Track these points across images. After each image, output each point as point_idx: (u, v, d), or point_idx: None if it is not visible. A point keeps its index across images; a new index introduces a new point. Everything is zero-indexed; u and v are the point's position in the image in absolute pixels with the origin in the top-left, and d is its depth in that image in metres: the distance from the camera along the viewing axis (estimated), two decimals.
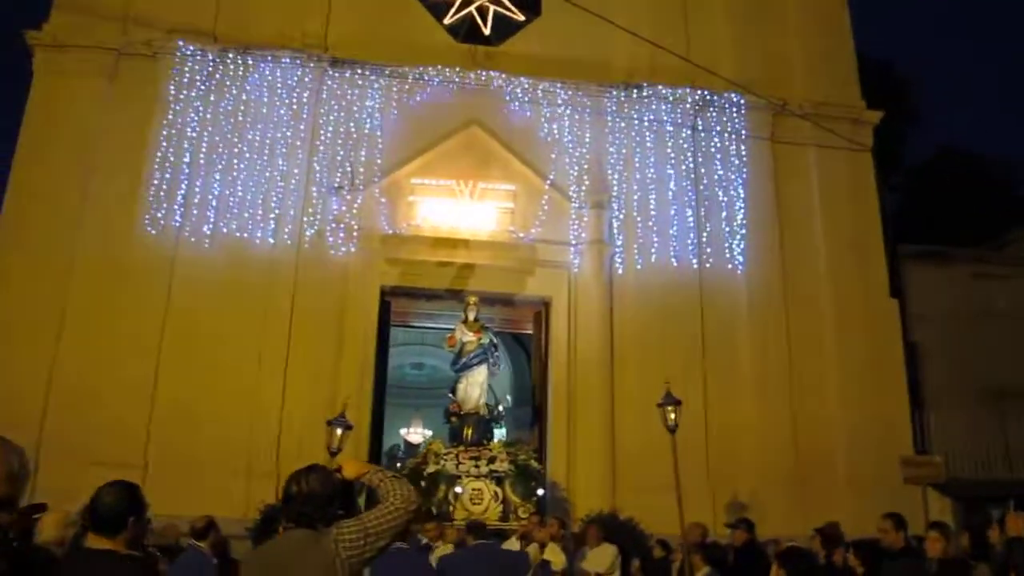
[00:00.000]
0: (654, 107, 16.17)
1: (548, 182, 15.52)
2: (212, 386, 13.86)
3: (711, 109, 16.41)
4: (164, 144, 14.93)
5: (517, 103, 15.95)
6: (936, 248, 19.91)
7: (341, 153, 15.30)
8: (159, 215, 14.61)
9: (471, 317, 13.20)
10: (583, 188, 15.65)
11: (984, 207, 27.15)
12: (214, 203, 14.86)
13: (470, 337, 13.02)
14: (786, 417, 15.19)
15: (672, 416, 10.06)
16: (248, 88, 15.42)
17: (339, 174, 15.12)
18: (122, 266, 14.39)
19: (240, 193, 14.95)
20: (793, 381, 15.41)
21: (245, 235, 14.78)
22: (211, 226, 14.74)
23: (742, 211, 16.01)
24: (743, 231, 15.91)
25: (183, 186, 14.86)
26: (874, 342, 15.94)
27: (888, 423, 15.48)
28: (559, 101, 16.06)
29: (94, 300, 14.22)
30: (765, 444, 14.99)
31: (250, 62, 15.48)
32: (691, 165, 16.06)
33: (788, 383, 15.37)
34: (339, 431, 8.70)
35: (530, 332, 16.50)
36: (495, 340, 13.28)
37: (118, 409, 13.52)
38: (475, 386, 12.87)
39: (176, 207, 14.74)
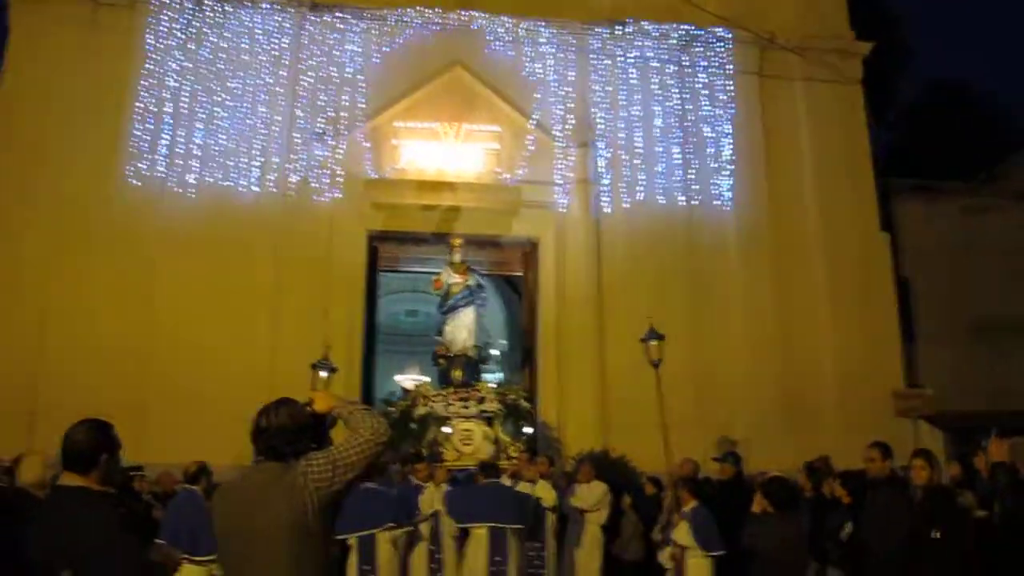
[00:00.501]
0: (639, 44, 15.98)
1: (533, 122, 15.38)
2: (202, 336, 13.83)
3: (697, 45, 16.21)
4: (145, 95, 14.74)
5: (500, 43, 15.75)
6: (925, 182, 19.77)
7: (323, 98, 15.14)
8: (142, 166, 14.48)
9: (456, 259, 13.15)
10: (568, 127, 15.52)
11: (976, 141, 26.96)
12: (197, 153, 14.72)
13: (456, 279, 12.98)
14: (776, 352, 15.19)
15: (655, 351, 10.02)
16: (227, 35, 15.19)
17: (321, 120, 14.98)
18: (108, 218, 14.31)
19: (223, 142, 14.81)
20: (783, 316, 15.40)
21: (229, 184, 14.66)
22: (195, 176, 14.63)
23: (729, 147, 15.88)
24: (731, 167, 15.80)
25: (166, 136, 14.72)
26: (865, 276, 15.92)
27: (879, 357, 15.52)
28: (542, 40, 15.87)
29: (81, 254, 14.14)
30: (755, 380, 15.00)
31: (228, 9, 15.24)
32: (677, 102, 15.91)
33: (778, 318, 15.37)
34: (323, 374, 8.71)
35: (520, 274, 16.44)
36: (481, 281, 13.24)
37: (110, 362, 13.52)
38: (462, 328, 12.85)
39: (159, 158, 14.61)
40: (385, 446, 3.54)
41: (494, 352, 18.55)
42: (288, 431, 3.48)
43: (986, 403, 16.74)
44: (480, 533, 8.76)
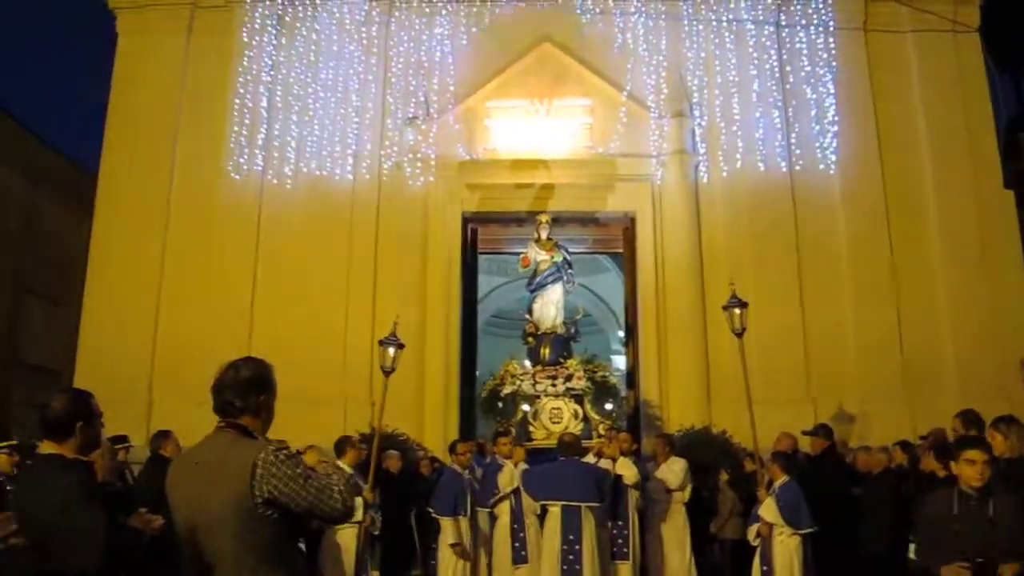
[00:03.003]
0: (732, 6, 15.36)
1: (625, 94, 14.98)
2: (303, 322, 14.25)
3: (795, 2, 15.47)
4: (241, 91, 15.25)
5: (588, 15, 15.39)
6: None
7: (414, 83, 15.20)
8: (242, 160, 14.98)
9: (543, 236, 12.98)
10: (662, 97, 15.05)
11: None
12: (293, 144, 15.13)
13: (543, 256, 12.81)
14: (891, 321, 14.41)
15: (738, 320, 9.59)
16: (318, 28, 15.50)
17: (413, 104, 15.05)
18: (212, 213, 14.93)
19: (317, 132, 15.14)
20: (898, 283, 14.58)
21: (325, 173, 14.99)
22: (292, 167, 15.04)
23: (833, 108, 15.08)
24: (835, 129, 15.01)
25: (263, 130, 15.20)
26: (987, 238, 14.81)
27: (1004, 322, 14.42)
28: (632, 9, 15.41)
29: (189, 248, 14.85)
30: (869, 352, 14.30)
31: (318, 1, 15.50)
32: (775, 64, 15.22)
33: (892, 286, 14.55)
34: (391, 350, 8.69)
35: (621, 251, 16.14)
36: (568, 258, 13.01)
37: (218, 350, 13.93)
38: (550, 305, 12.68)
39: (257, 151, 15.09)
40: (333, 515, 3.34)
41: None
42: (243, 384, 3.39)
43: None
44: (555, 511, 8.62)
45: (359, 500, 7.89)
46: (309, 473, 3.24)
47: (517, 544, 9.26)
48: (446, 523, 9.03)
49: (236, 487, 3.16)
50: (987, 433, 6.17)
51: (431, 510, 9.36)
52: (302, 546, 8.33)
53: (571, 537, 8.41)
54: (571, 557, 8.37)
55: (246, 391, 3.39)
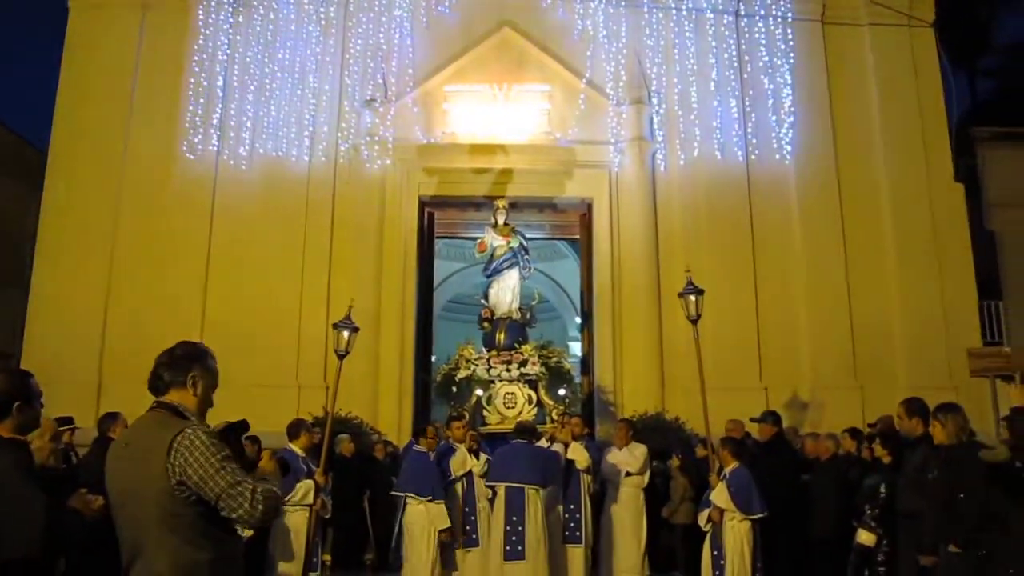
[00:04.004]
0: None
1: (584, 80, 14.98)
2: (258, 305, 14.15)
3: None
4: (197, 70, 15.07)
5: (549, 1, 15.36)
6: (1015, 129, 18.67)
7: (372, 66, 15.08)
8: (196, 140, 14.82)
9: (501, 221, 12.94)
10: (621, 85, 15.07)
11: None
12: (249, 125, 14.99)
13: (500, 241, 12.79)
14: (843, 310, 14.66)
15: (693, 306, 9.63)
16: (276, 7, 15.34)
17: (371, 87, 14.92)
18: (165, 193, 14.78)
19: (274, 113, 15.01)
20: (850, 273, 14.81)
21: (281, 154, 14.86)
22: (247, 148, 14.90)
23: (790, 98, 15.23)
24: (792, 119, 15.16)
25: (218, 110, 15.03)
26: (938, 230, 15.12)
27: (953, 314, 14.77)
28: None
29: (141, 228, 14.66)
30: (822, 340, 14.55)
31: None
32: (734, 53, 15.34)
33: (844, 276, 14.78)
34: (346, 333, 8.61)
35: (577, 237, 16.17)
36: (525, 243, 13.00)
37: (170, 332, 13.74)
38: (507, 290, 12.67)
39: (213, 131, 14.93)
40: (246, 524, 3.27)
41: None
42: (174, 360, 3.39)
43: None
44: (501, 492, 8.63)
45: (309, 483, 7.85)
46: (226, 464, 3.14)
47: (468, 527, 9.24)
48: (432, 507, 8.81)
49: (156, 467, 3.13)
50: (930, 422, 6.28)
51: (402, 493, 9.06)
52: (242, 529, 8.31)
53: (514, 518, 8.43)
54: (514, 538, 8.39)
55: (176, 365, 3.39)
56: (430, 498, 8.67)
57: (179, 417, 3.29)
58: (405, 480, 9.10)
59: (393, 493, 9.27)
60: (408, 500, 8.89)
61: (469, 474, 9.31)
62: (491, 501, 9.06)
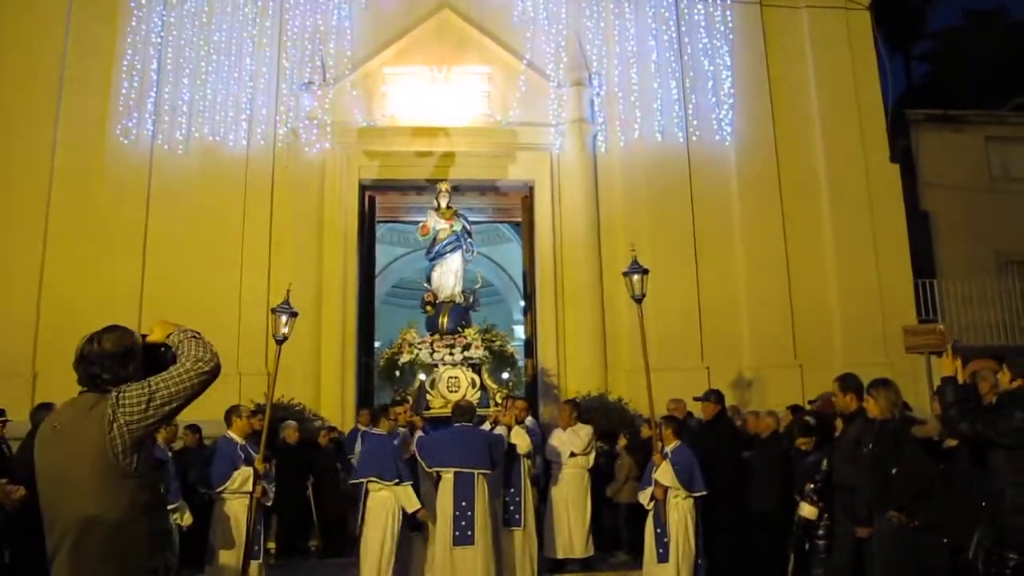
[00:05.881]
0: None
1: (525, 62, 14.93)
2: (196, 291, 13.79)
3: None
4: (130, 52, 14.70)
5: None
6: (948, 112, 19.04)
7: (310, 47, 14.83)
8: (130, 124, 14.47)
9: (443, 204, 12.84)
10: (561, 67, 15.05)
11: (1007, 70, 25.97)
12: (185, 108, 14.68)
13: (443, 225, 12.67)
14: (782, 289, 14.87)
15: (638, 285, 9.66)
16: None
17: (309, 69, 14.70)
18: (99, 178, 14.41)
19: (210, 96, 14.71)
20: (789, 252, 15.01)
21: (218, 138, 14.58)
22: (183, 131, 14.59)
23: (729, 80, 15.34)
24: (731, 100, 15.28)
25: (152, 93, 14.69)
26: (874, 210, 15.38)
27: (889, 292, 15.07)
28: None
29: (75, 215, 14.29)
30: (762, 319, 14.74)
31: None
32: (674, 35, 15.40)
33: (784, 256, 14.99)
34: (284, 318, 8.48)
35: (519, 220, 16.15)
36: (468, 227, 12.92)
37: (106, 320, 13.35)
38: (449, 274, 12.56)
39: (147, 115, 14.60)
40: (211, 375, 3.28)
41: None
42: (109, 357, 3.26)
43: (1008, 340, 16.25)
44: (448, 477, 8.57)
45: (248, 471, 7.74)
46: (151, 380, 3.19)
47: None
48: (400, 490, 8.53)
49: (95, 445, 3.09)
50: (864, 397, 6.39)
51: (363, 479, 8.70)
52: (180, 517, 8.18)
53: (463, 503, 8.38)
54: (463, 523, 8.34)
55: (114, 363, 3.28)
56: (396, 481, 8.47)
57: (101, 392, 3.23)
58: (366, 465, 8.81)
59: (354, 481, 8.94)
60: (369, 486, 8.61)
61: (412, 458, 9.21)
62: (434, 484, 8.96)
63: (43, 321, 13.84)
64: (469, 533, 8.34)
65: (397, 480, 8.48)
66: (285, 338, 8.53)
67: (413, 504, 8.48)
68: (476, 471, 8.54)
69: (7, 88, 14.58)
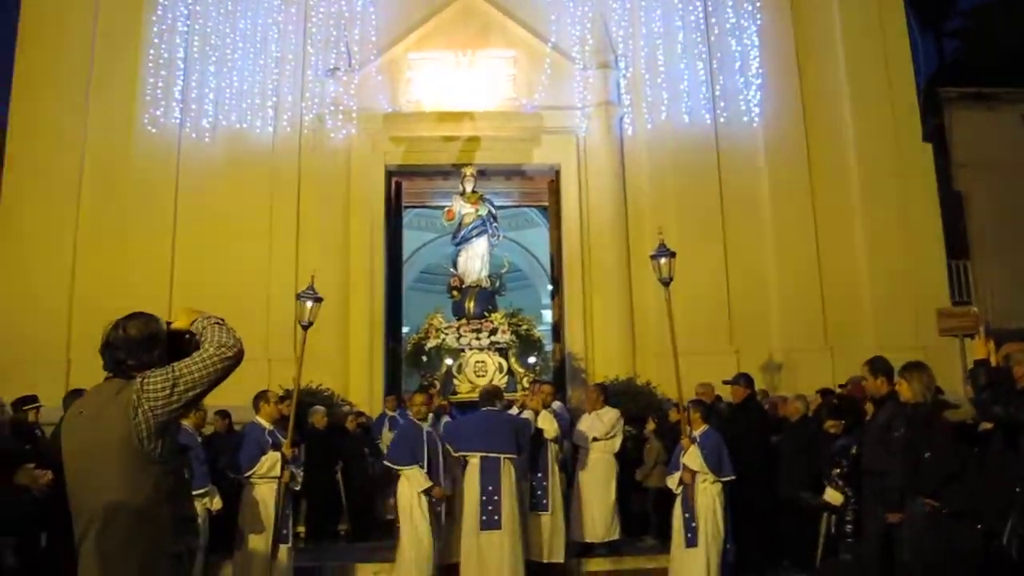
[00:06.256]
0: None
1: (550, 45, 14.83)
2: (225, 278, 13.91)
3: None
4: (157, 41, 14.76)
5: None
6: (981, 90, 18.72)
7: (335, 34, 14.80)
8: (158, 113, 14.56)
9: (469, 188, 12.82)
10: (587, 49, 14.92)
11: None
12: (211, 96, 14.76)
13: (468, 209, 12.66)
14: (812, 271, 14.68)
15: (666, 268, 9.59)
16: None
17: (334, 55, 14.70)
18: (128, 168, 14.52)
19: (236, 84, 14.77)
20: (819, 233, 14.83)
21: (244, 125, 14.65)
22: (210, 120, 14.68)
23: (757, 60, 15.14)
24: (759, 81, 15.07)
25: (179, 82, 14.78)
26: (906, 190, 15.07)
27: (922, 274, 14.80)
28: None
29: (105, 204, 14.41)
30: (792, 302, 14.58)
31: None
32: (700, 16, 15.21)
33: (814, 238, 14.80)
34: (309, 304, 8.51)
35: (546, 205, 16.07)
36: (494, 211, 12.89)
37: (138, 307, 13.35)
38: (475, 258, 12.56)
39: (174, 104, 14.68)
40: (234, 361, 3.29)
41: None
42: (134, 343, 3.28)
43: None
44: (474, 462, 8.58)
45: (276, 455, 7.78)
46: (175, 366, 3.20)
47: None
48: (409, 472, 8.54)
49: (118, 427, 3.12)
50: (895, 380, 6.30)
51: (389, 463, 8.85)
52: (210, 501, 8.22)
53: (490, 488, 8.38)
54: (490, 508, 8.34)
55: (139, 349, 3.29)
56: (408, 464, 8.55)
57: (126, 378, 3.25)
58: (390, 452, 8.98)
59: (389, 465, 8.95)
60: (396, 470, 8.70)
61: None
62: (463, 469, 8.97)
63: (76, 308, 13.99)
64: (496, 518, 8.34)
65: (409, 463, 8.52)
66: (310, 324, 8.56)
67: (420, 483, 8.46)
68: (502, 456, 8.53)
69: (36, 81, 14.69)
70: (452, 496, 8.83)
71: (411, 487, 8.50)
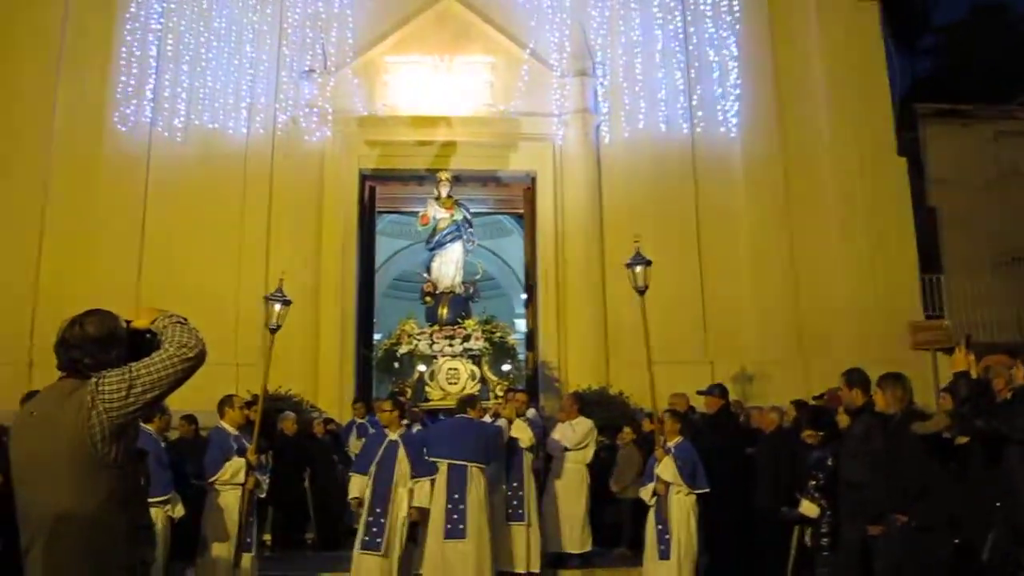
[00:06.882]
0: None
1: (528, 51, 14.74)
2: (194, 280, 13.69)
3: None
4: (129, 39, 14.57)
5: None
6: (956, 107, 18.80)
7: (311, 35, 14.65)
8: (128, 111, 14.35)
9: (444, 193, 12.67)
10: (565, 56, 14.85)
11: (1014, 65, 25.73)
12: (184, 95, 14.58)
13: (443, 214, 12.49)
14: (787, 282, 14.64)
15: (641, 277, 9.50)
16: None
17: (309, 57, 14.53)
18: (97, 166, 14.33)
19: (210, 83, 14.61)
20: (793, 245, 14.79)
21: (217, 126, 14.49)
22: (182, 119, 14.50)
23: (735, 71, 15.13)
24: (737, 91, 15.07)
25: (151, 80, 14.60)
26: (881, 205, 15.07)
27: (895, 287, 14.79)
28: None
29: (73, 202, 14.21)
30: (766, 311, 14.53)
31: None
32: (680, 25, 15.19)
33: (788, 247, 14.76)
34: (277, 307, 8.35)
35: (522, 212, 15.97)
36: (469, 216, 12.74)
37: (103, 307, 13.31)
38: (449, 264, 12.38)
39: (146, 102, 14.51)
40: (195, 362, 3.12)
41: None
42: (91, 342, 3.09)
43: (1012, 334, 16.03)
44: (442, 469, 8.39)
45: (240, 462, 7.59)
46: (132, 366, 3.03)
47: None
48: (352, 480, 8.39)
49: (71, 434, 2.94)
50: (871, 391, 6.24)
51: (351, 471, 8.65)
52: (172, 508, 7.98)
53: (456, 496, 8.20)
54: (455, 516, 8.16)
55: (96, 347, 3.11)
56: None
57: (81, 378, 3.06)
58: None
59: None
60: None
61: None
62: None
63: (40, 307, 13.70)
64: (460, 527, 8.16)
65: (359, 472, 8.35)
66: (278, 327, 8.41)
67: (352, 490, 8.27)
68: (469, 464, 8.36)
69: (5, 76, 14.42)
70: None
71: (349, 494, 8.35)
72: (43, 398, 3.21)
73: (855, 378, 6.69)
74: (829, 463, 7.20)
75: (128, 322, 3.27)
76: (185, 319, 3.23)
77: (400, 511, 8.14)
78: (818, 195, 15.06)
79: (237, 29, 14.75)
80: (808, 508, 7.22)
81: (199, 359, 3.14)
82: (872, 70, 15.75)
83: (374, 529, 8.03)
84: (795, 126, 15.25)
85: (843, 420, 7.59)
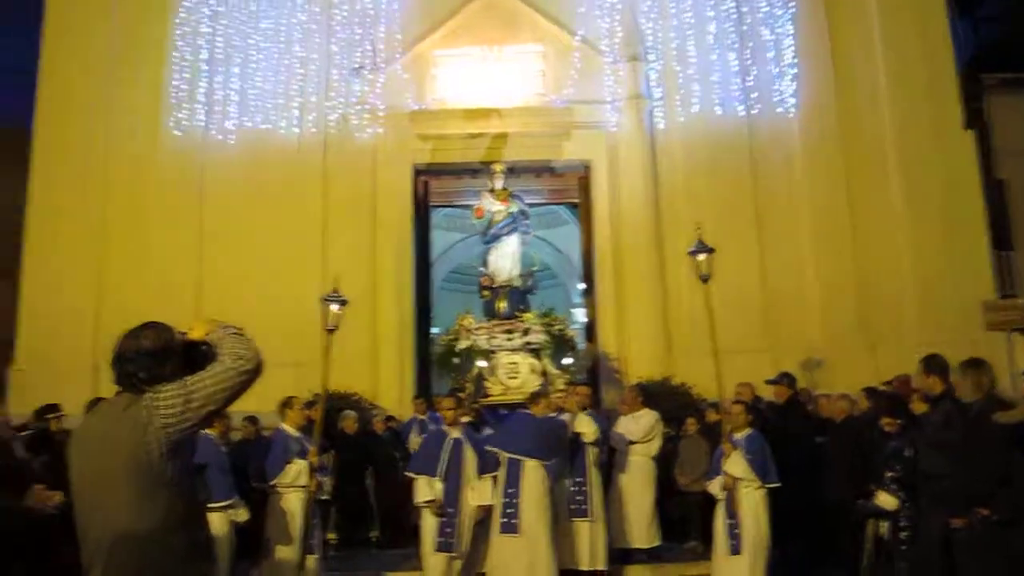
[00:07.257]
0: None
1: (578, 38, 14.53)
2: (252, 281, 13.79)
3: None
4: (180, 43, 14.67)
5: None
6: (1021, 75, 18.15)
7: (359, 32, 14.65)
8: (181, 116, 14.45)
9: (498, 185, 12.53)
10: (616, 41, 14.62)
11: None
12: (235, 97, 14.67)
13: (498, 206, 12.33)
14: (851, 265, 14.27)
15: (705, 265, 9.26)
16: None
17: (359, 54, 14.50)
18: (153, 171, 14.45)
19: (260, 85, 14.68)
20: (857, 226, 14.40)
21: (269, 126, 14.54)
22: (235, 121, 14.58)
23: (791, 49, 14.75)
24: (793, 70, 14.70)
25: (203, 84, 14.66)
26: (947, 180, 14.55)
27: (965, 266, 14.25)
28: None
29: (131, 209, 14.36)
30: (830, 298, 14.21)
31: None
32: (732, 5, 14.84)
33: (852, 229, 14.39)
34: (334, 307, 8.30)
35: (578, 201, 15.75)
36: (525, 208, 12.59)
37: (165, 312, 13.30)
38: (506, 257, 12.23)
39: (198, 106, 14.59)
40: (252, 374, 3.02)
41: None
42: (146, 355, 3.02)
43: None
44: (504, 463, 8.29)
45: (302, 464, 7.55)
46: (188, 380, 2.96)
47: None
48: (418, 481, 8.31)
49: (128, 451, 2.88)
50: (949, 378, 5.98)
51: (408, 472, 8.60)
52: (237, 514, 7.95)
53: (511, 491, 8.10)
54: (510, 511, 8.06)
55: (151, 361, 3.04)
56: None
57: (137, 393, 3.00)
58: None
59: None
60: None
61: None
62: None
63: (103, 314, 13.85)
64: (513, 522, 8.06)
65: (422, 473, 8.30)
66: (335, 328, 8.35)
67: (421, 495, 8.22)
68: (525, 459, 8.23)
69: (59, 85, 14.62)
70: None
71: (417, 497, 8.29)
72: (100, 413, 3.17)
73: (934, 364, 6.38)
74: (906, 453, 6.93)
75: (183, 334, 3.19)
76: (241, 330, 3.14)
77: (469, 509, 8.12)
78: (881, 173, 14.62)
79: (286, 29, 14.75)
80: (886, 501, 6.96)
81: (256, 371, 3.05)
82: (934, 41, 15.20)
83: (448, 529, 8.03)
84: (855, 103, 14.83)
85: (918, 407, 7.32)
